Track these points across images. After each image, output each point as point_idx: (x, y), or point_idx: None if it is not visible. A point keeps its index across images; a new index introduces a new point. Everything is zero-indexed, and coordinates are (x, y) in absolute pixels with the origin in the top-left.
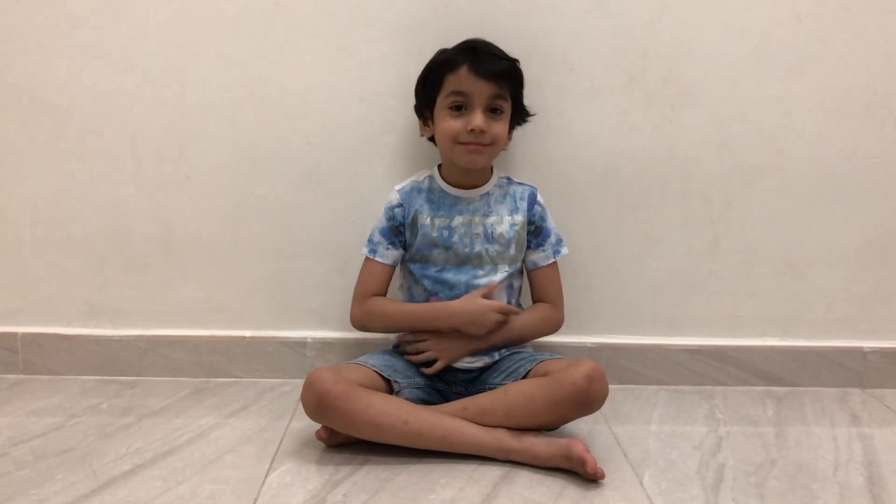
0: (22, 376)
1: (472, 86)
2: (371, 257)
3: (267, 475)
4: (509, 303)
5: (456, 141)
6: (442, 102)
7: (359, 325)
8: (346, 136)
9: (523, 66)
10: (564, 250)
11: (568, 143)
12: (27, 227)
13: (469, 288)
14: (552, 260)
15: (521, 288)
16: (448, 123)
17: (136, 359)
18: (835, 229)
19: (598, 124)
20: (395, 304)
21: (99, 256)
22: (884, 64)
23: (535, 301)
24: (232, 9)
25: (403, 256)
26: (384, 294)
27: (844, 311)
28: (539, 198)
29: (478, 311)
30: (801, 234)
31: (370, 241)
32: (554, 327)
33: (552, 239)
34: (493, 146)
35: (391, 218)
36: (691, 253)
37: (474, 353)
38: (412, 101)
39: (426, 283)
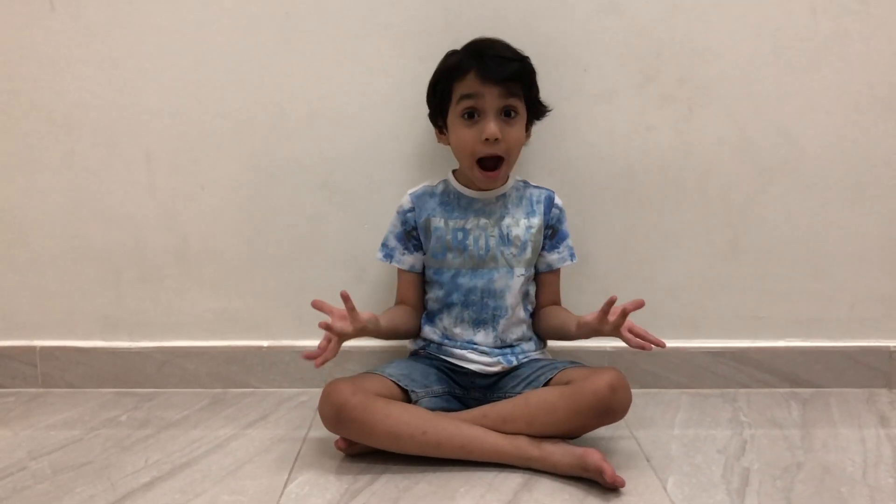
0: (40, 390)
1: (482, 91)
2: (388, 263)
3: (286, 486)
4: (525, 309)
5: (473, 156)
6: (454, 111)
7: None
8: (359, 144)
9: (537, 68)
10: (575, 259)
11: (583, 144)
12: (43, 242)
13: (485, 293)
14: (567, 262)
15: (536, 294)
16: (462, 134)
17: (154, 370)
18: (856, 226)
19: (613, 125)
20: (386, 318)
21: (115, 269)
22: None
23: (540, 303)
24: (244, 20)
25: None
26: (416, 297)
27: (869, 310)
28: (557, 200)
29: None
30: (823, 232)
31: (384, 245)
32: None
33: (569, 241)
34: (508, 160)
35: (404, 222)
36: (711, 254)
37: (487, 354)
38: (425, 106)
39: (442, 287)
